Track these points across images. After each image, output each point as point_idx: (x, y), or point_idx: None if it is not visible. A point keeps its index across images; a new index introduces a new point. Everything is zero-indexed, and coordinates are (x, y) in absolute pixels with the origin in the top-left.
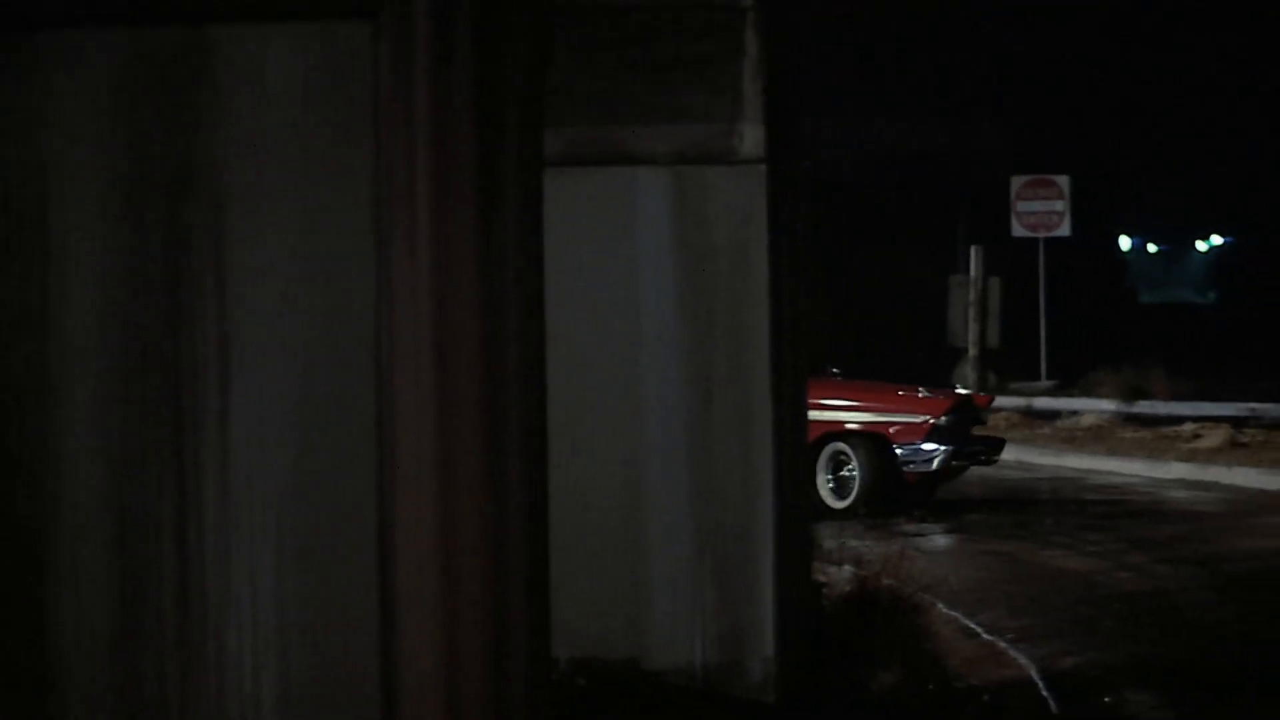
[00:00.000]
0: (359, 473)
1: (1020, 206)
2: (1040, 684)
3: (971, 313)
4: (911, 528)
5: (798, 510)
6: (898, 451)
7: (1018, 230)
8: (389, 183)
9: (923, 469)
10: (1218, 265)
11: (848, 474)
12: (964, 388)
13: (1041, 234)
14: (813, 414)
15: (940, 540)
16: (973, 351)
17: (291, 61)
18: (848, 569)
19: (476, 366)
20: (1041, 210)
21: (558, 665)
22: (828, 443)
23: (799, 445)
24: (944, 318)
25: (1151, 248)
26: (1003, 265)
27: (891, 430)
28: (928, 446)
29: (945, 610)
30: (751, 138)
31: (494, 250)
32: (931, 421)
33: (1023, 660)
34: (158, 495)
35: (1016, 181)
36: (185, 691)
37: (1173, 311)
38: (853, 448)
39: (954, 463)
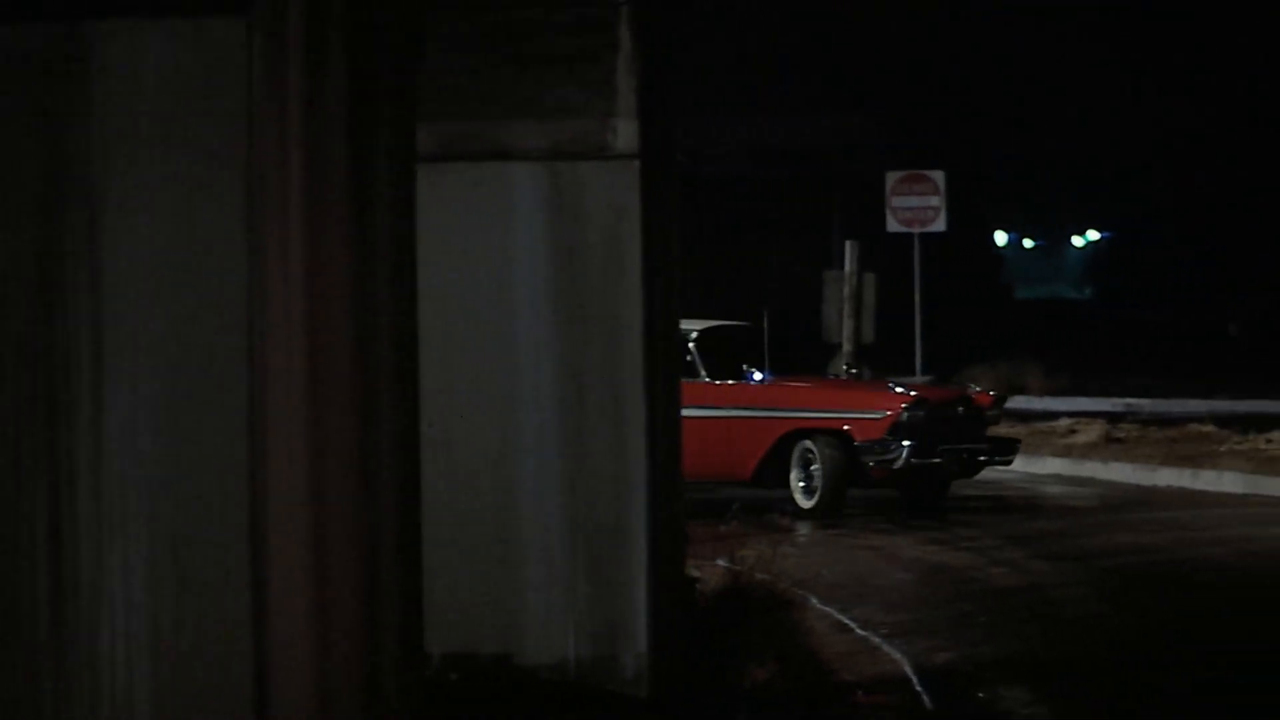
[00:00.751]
0: (232, 469)
1: (895, 202)
2: (914, 680)
3: (846, 308)
4: (785, 522)
5: (671, 505)
6: (859, 448)
7: (893, 226)
8: (262, 179)
9: (887, 466)
10: (1094, 261)
11: (815, 471)
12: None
13: (917, 229)
14: (779, 411)
15: (815, 535)
16: (847, 347)
17: (166, 58)
18: (721, 563)
19: (349, 364)
20: (917, 206)
21: (431, 661)
22: (798, 440)
23: (673, 441)
24: (819, 313)
25: (1028, 243)
26: (878, 261)
27: (848, 427)
28: (890, 443)
29: (819, 605)
30: (626, 133)
31: (367, 247)
32: (892, 417)
33: (896, 656)
34: (32, 492)
35: (892, 177)
36: (59, 688)
37: (1049, 307)
38: (817, 446)
39: (932, 460)
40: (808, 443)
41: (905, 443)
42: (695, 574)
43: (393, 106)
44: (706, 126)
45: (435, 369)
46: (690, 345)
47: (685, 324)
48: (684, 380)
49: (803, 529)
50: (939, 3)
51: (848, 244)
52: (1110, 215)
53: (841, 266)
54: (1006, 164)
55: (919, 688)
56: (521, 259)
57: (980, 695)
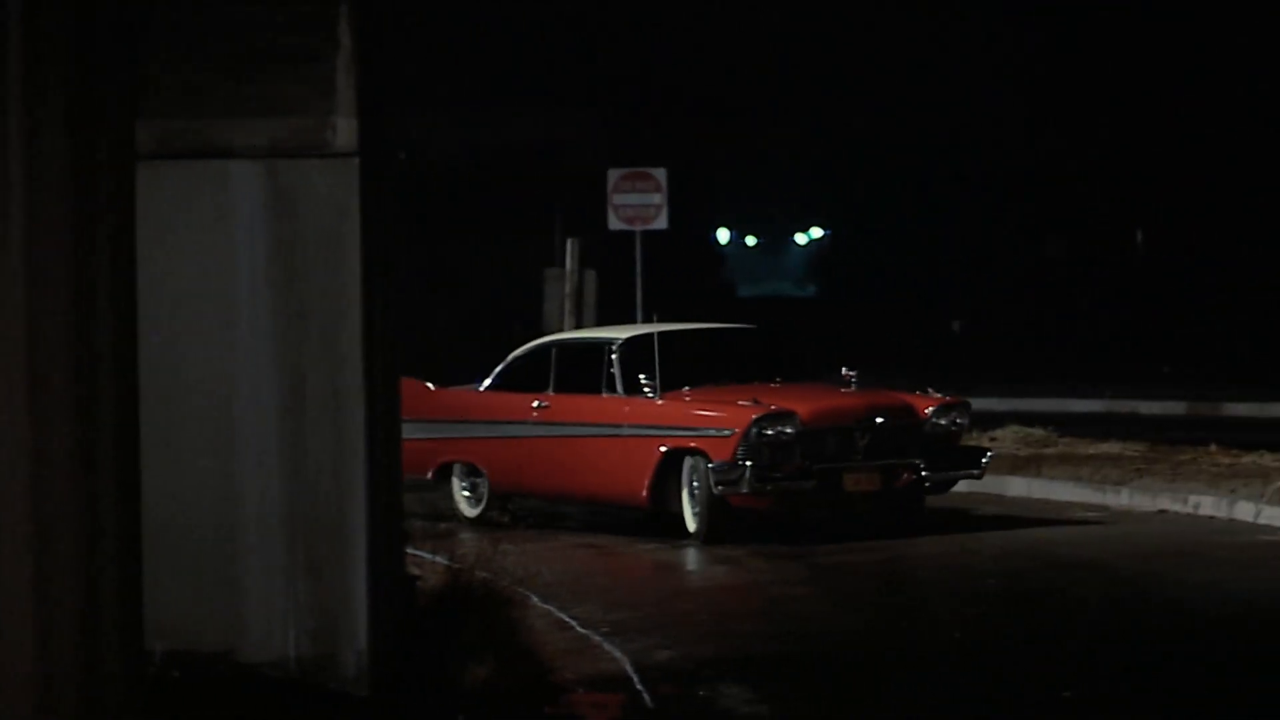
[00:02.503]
0: None
1: (617, 199)
2: (635, 678)
3: (567, 305)
4: (506, 519)
5: (391, 504)
6: (712, 470)
7: (614, 224)
8: None
9: (734, 491)
10: (816, 258)
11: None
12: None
13: (638, 227)
14: (661, 429)
15: (537, 533)
16: None
17: None
18: (442, 561)
19: (69, 361)
20: (639, 203)
21: (153, 658)
22: (684, 460)
23: (393, 439)
24: (541, 310)
25: (750, 241)
26: (601, 258)
27: (705, 446)
28: (734, 465)
29: (540, 604)
30: (345, 130)
31: (86, 244)
32: (739, 435)
33: (617, 654)
34: None
35: (613, 174)
36: None
37: (771, 304)
38: (693, 467)
39: (802, 483)
40: (691, 462)
41: (746, 463)
42: (416, 572)
43: (112, 102)
44: (428, 124)
45: (156, 366)
46: (613, 356)
47: (612, 331)
48: (594, 395)
49: (522, 525)
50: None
51: (569, 241)
52: (832, 212)
53: (563, 264)
54: (729, 162)
55: (639, 686)
56: (241, 256)
57: (701, 693)
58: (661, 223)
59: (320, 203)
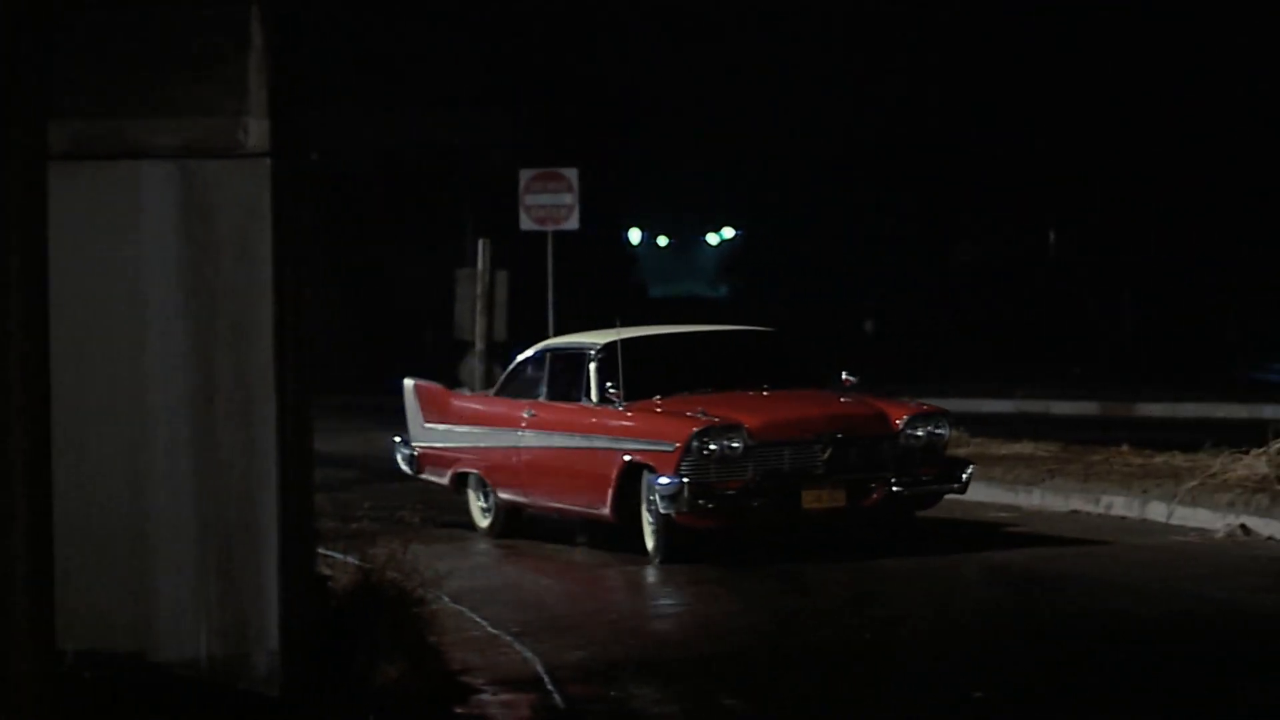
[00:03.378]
0: None
1: (529, 200)
2: (546, 678)
3: (479, 306)
4: (416, 520)
5: (303, 504)
6: (655, 487)
7: (526, 224)
8: None
9: (675, 509)
10: (728, 258)
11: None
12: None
13: (550, 227)
14: (618, 441)
15: (447, 533)
16: (480, 345)
17: None
18: (353, 561)
19: None
20: (550, 204)
21: (65, 658)
22: (641, 474)
23: (305, 439)
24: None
25: (662, 241)
26: (513, 258)
27: (651, 461)
28: (676, 481)
29: (451, 604)
30: (257, 131)
31: None
32: (679, 449)
33: (528, 654)
34: None
35: (525, 174)
36: None
37: (682, 305)
38: (647, 482)
39: (749, 502)
40: (648, 478)
41: (683, 480)
42: (327, 572)
43: (26, 102)
44: (341, 125)
45: (67, 368)
46: (590, 363)
47: (601, 335)
48: (574, 404)
49: (430, 524)
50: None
51: (480, 242)
52: (743, 213)
53: (475, 265)
54: (640, 162)
55: (550, 686)
56: (153, 258)
57: (612, 694)
58: (573, 223)
59: (232, 203)
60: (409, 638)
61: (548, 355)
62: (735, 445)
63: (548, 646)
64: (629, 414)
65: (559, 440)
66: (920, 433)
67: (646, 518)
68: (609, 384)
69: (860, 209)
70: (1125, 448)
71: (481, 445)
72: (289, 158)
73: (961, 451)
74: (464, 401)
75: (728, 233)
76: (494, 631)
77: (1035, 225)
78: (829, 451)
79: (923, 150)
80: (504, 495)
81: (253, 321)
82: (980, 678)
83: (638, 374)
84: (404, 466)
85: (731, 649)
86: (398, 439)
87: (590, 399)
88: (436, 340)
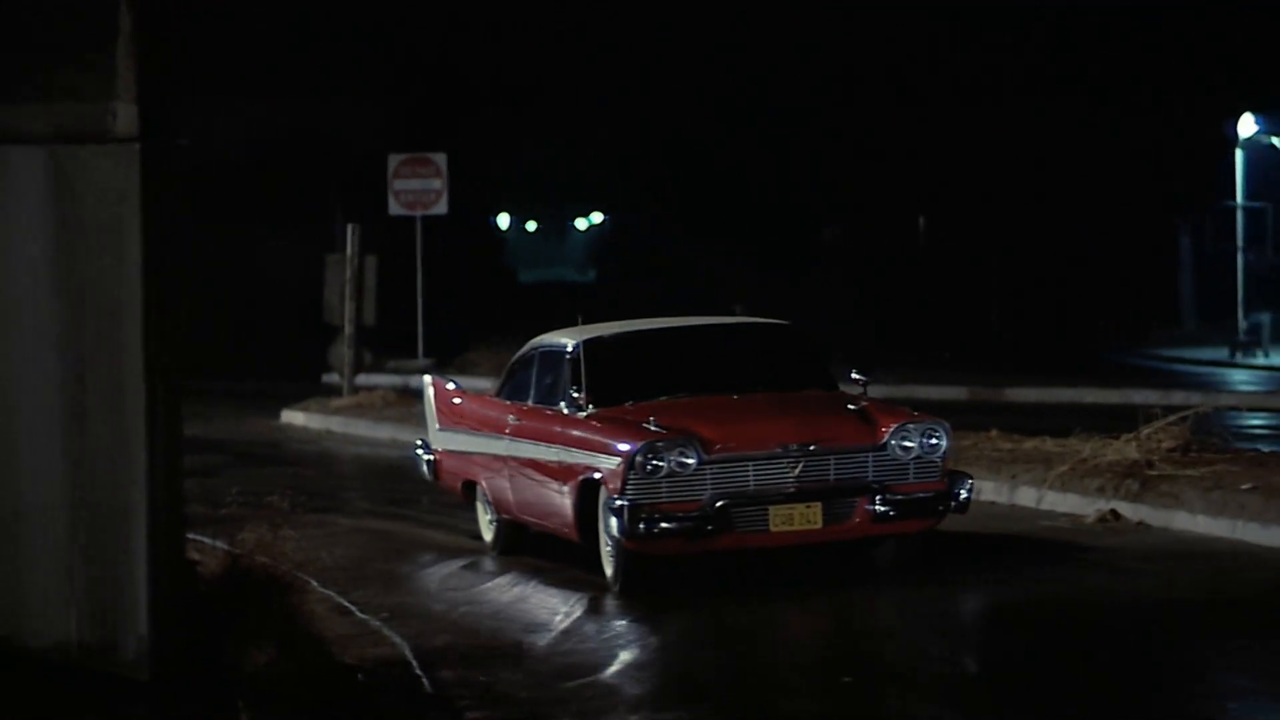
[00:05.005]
0: None
1: (398, 185)
2: (415, 662)
3: (348, 290)
4: (285, 505)
5: (173, 490)
6: (604, 507)
7: (395, 209)
8: None
9: (619, 533)
10: (597, 243)
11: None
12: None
13: (419, 212)
14: (577, 453)
15: (316, 518)
16: (348, 329)
17: None
18: (222, 546)
19: None
20: (419, 189)
21: None
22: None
23: (174, 424)
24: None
25: (530, 226)
26: (382, 243)
27: (600, 475)
28: (617, 503)
29: (320, 589)
30: (126, 116)
31: None
32: (623, 465)
33: (397, 639)
34: None
35: (394, 160)
36: None
37: (551, 289)
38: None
39: (671, 527)
40: (604, 495)
41: (623, 502)
42: (196, 557)
43: None
44: (212, 111)
45: None
46: (565, 366)
47: (586, 331)
48: (552, 409)
49: (299, 510)
50: None
51: (349, 227)
52: (612, 197)
53: (344, 250)
54: (509, 147)
55: (419, 671)
56: (22, 243)
57: (480, 678)
58: (441, 208)
59: (101, 189)
60: (278, 622)
61: (536, 355)
62: (688, 460)
63: (416, 631)
64: (590, 423)
65: (531, 450)
66: (910, 443)
67: (604, 542)
68: (574, 388)
69: (728, 193)
70: (994, 433)
71: (478, 452)
72: (159, 143)
73: None
74: (466, 403)
75: (596, 217)
76: (363, 616)
77: (905, 209)
78: (800, 466)
79: (792, 133)
80: (497, 508)
81: (122, 307)
82: (848, 665)
83: (610, 377)
84: (425, 474)
85: (595, 635)
86: (419, 443)
87: (561, 404)
88: (306, 325)
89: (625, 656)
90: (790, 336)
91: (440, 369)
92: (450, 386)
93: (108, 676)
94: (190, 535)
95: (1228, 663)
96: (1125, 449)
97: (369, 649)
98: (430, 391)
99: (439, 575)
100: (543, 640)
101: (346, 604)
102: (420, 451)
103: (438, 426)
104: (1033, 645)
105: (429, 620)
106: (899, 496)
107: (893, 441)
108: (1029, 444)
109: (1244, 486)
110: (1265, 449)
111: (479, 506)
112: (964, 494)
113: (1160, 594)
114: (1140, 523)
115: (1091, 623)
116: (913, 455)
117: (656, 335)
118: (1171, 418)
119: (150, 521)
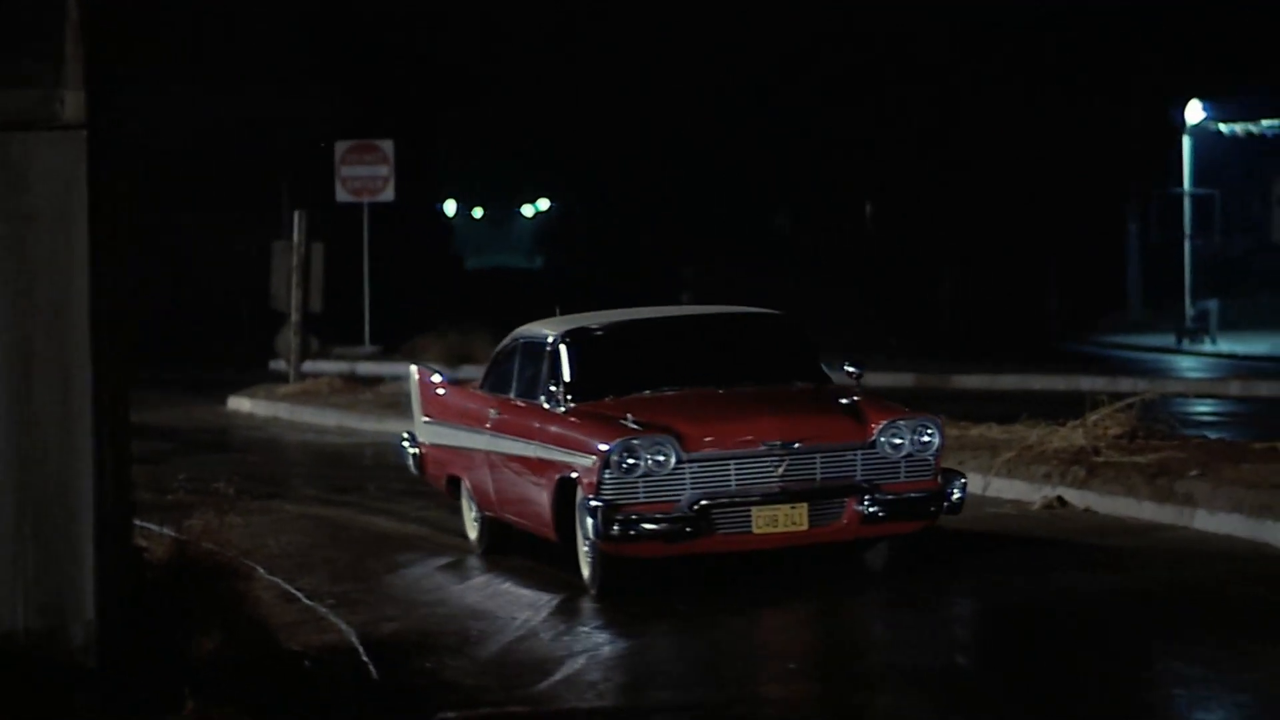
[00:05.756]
0: None
1: (345, 172)
2: (361, 649)
3: (294, 278)
4: (232, 492)
5: (120, 476)
6: (580, 508)
7: (342, 196)
8: None
9: (594, 535)
10: (544, 230)
11: None
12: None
13: (366, 199)
14: (554, 450)
15: (263, 504)
16: (295, 317)
17: None
18: (169, 533)
19: None
20: (366, 175)
21: None
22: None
23: (122, 412)
24: (269, 283)
25: (477, 213)
26: (330, 230)
27: (575, 474)
28: (592, 502)
29: (267, 576)
30: (73, 104)
31: None
32: (598, 464)
33: (343, 626)
34: None
35: (341, 146)
36: None
37: (498, 276)
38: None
39: (682, 526)
40: (580, 495)
41: (597, 503)
42: (143, 544)
43: None
44: (160, 98)
45: None
46: (545, 358)
47: (570, 322)
48: (532, 403)
49: (245, 496)
50: None
51: (296, 214)
52: (558, 185)
53: (291, 237)
54: (455, 134)
55: (365, 658)
56: None
57: (427, 665)
58: (389, 195)
59: (48, 176)
60: (225, 609)
61: (519, 346)
62: (664, 459)
63: (363, 618)
64: (568, 419)
65: (510, 446)
66: (901, 440)
67: (581, 543)
68: (553, 382)
69: (676, 180)
70: (941, 420)
71: (460, 446)
72: (106, 130)
73: None
74: (449, 394)
75: (543, 204)
76: (310, 603)
77: (852, 196)
78: (784, 464)
79: (741, 121)
80: (480, 506)
81: (70, 294)
82: (794, 651)
83: (591, 370)
84: (411, 468)
85: (538, 620)
86: (405, 435)
87: (539, 398)
88: (254, 312)
89: (584, 653)
90: (780, 327)
91: (387, 356)
92: (435, 378)
93: (56, 664)
94: (137, 522)
95: (1176, 650)
96: (1072, 436)
97: (316, 636)
98: (415, 382)
99: (388, 563)
100: (500, 633)
101: (293, 591)
102: (406, 444)
103: (423, 419)
104: (973, 636)
105: (375, 607)
106: (889, 496)
107: (882, 439)
108: (975, 431)
109: (1191, 473)
110: (1212, 435)
111: (464, 503)
112: (957, 494)
113: (1107, 582)
114: (1087, 509)
115: (1036, 611)
116: (904, 453)
117: (639, 326)
118: (1118, 404)
119: (97, 509)
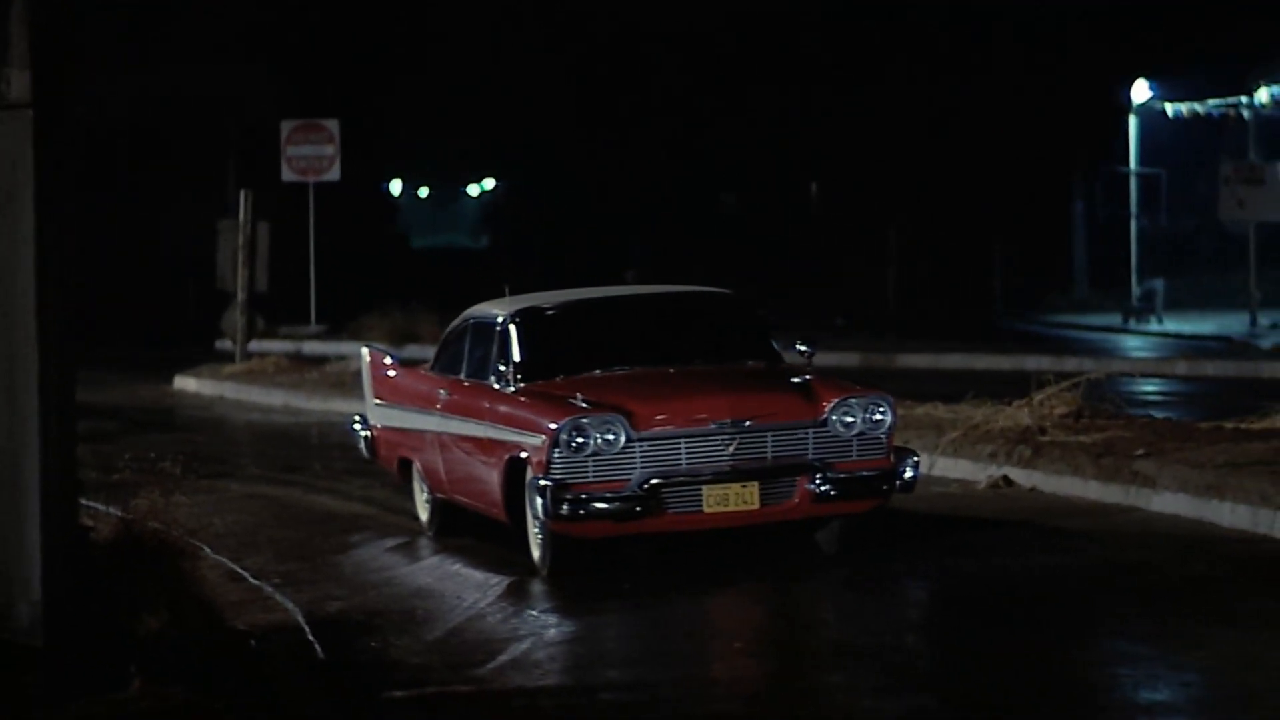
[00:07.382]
0: None
1: (290, 151)
2: (307, 628)
3: (240, 257)
4: (178, 471)
5: (65, 455)
6: (529, 487)
7: (288, 175)
8: None
9: (543, 515)
10: (490, 209)
11: None
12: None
13: (311, 179)
14: (504, 430)
15: (208, 484)
16: (241, 296)
17: None
18: (114, 512)
19: None
20: (311, 155)
21: None
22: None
23: (67, 391)
24: (215, 262)
25: (423, 192)
26: (276, 210)
27: (525, 454)
28: (541, 482)
29: (212, 555)
30: (19, 83)
31: None
32: (547, 443)
33: (289, 605)
34: None
35: (286, 126)
36: None
37: (444, 255)
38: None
39: (631, 507)
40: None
41: (545, 482)
42: (89, 523)
43: None
44: (104, 75)
45: None
46: (495, 338)
47: (519, 302)
48: (483, 383)
49: (191, 476)
50: None
51: (242, 193)
52: (504, 164)
53: (237, 216)
54: (400, 113)
55: (311, 637)
56: None
57: (373, 644)
58: (334, 174)
59: None
60: (170, 588)
61: (469, 326)
62: (613, 438)
63: (308, 597)
64: (517, 399)
65: (460, 426)
66: (852, 419)
67: (531, 524)
68: (502, 362)
69: (622, 160)
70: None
71: (411, 428)
72: (52, 109)
73: None
74: (400, 376)
75: (489, 184)
76: (255, 582)
77: (798, 176)
78: (735, 443)
79: (687, 100)
80: (432, 488)
81: (15, 274)
82: (739, 630)
83: (541, 349)
84: (363, 451)
85: (485, 601)
86: (357, 419)
87: (489, 378)
88: (199, 291)
89: (531, 633)
90: (732, 306)
91: (333, 335)
92: (387, 360)
93: (2, 644)
94: (83, 501)
95: (1122, 629)
96: (1017, 415)
97: (261, 615)
98: (367, 363)
99: (335, 543)
100: (448, 614)
101: (238, 569)
102: (358, 427)
103: (374, 401)
104: (921, 615)
105: (320, 585)
106: (841, 475)
107: (834, 417)
108: (920, 410)
109: (1137, 453)
110: (1158, 415)
111: (415, 485)
112: (910, 472)
113: (1053, 561)
114: (1033, 489)
115: (983, 591)
116: (855, 431)
117: (590, 305)
118: (1064, 384)
119: (43, 489)
